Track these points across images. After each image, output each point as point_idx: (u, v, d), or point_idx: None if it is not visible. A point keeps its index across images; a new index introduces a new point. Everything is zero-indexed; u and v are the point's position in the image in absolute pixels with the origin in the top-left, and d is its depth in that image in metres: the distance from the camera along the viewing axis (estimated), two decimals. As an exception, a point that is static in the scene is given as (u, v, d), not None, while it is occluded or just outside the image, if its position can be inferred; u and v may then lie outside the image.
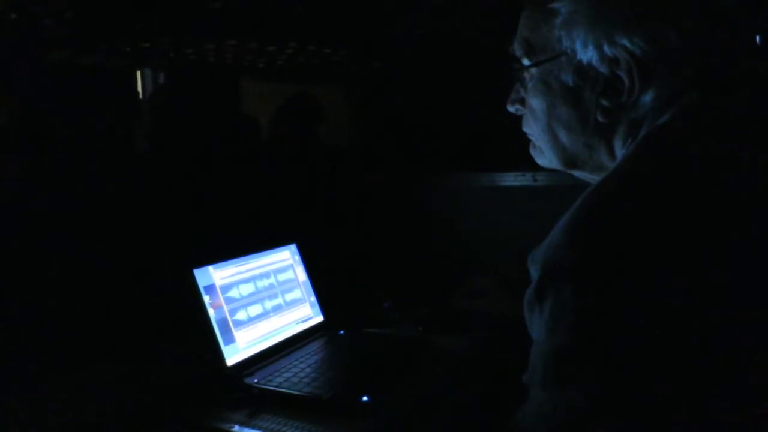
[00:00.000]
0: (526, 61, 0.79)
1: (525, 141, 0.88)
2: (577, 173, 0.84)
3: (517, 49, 0.80)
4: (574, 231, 0.63)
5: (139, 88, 1.62)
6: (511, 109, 0.86)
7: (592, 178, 0.81)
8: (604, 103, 0.73)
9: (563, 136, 0.78)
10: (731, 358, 0.56)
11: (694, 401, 0.56)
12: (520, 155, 0.93)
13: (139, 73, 1.62)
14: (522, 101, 0.83)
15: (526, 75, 0.80)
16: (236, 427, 1.07)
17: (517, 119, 0.86)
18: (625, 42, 0.69)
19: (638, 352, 0.57)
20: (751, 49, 0.76)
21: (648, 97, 0.70)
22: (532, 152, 0.86)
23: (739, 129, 0.67)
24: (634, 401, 0.57)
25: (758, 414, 0.56)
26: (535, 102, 0.79)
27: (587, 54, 0.72)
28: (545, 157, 0.84)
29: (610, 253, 0.59)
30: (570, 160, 0.80)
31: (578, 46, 0.72)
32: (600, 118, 0.74)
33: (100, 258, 1.28)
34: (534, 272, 0.64)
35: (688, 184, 0.61)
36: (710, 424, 0.56)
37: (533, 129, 0.82)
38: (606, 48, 0.70)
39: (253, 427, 1.07)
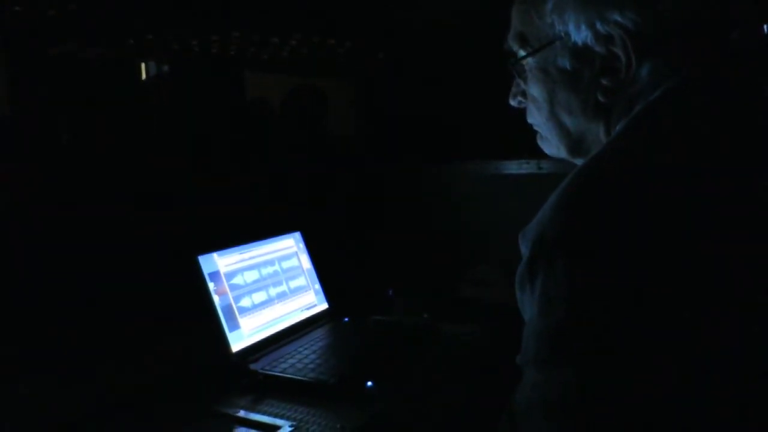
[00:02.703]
0: (521, 53, 0.79)
1: (530, 130, 0.88)
2: (581, 161, 0.84)
3: (513, 44, 0.81)
4: (564, 207, 0.62)
5: (143, 79, 1.62)
6: (513, 102, 0.86)
7: None
8: (604, 82, 0.73)
9: (567, 121, 0.78)
10: (724, 332, 0.56)
11: (688, 377, 0.56)
12: (524, 143, 0.93)
13: (143, 65, 1.62)
14: (523, 93, 0.83)
15: (525, 66, 0.80)
16: (242, 412, 1.08)
17: (522, 110, 0.86)
18: (617, 17, 0.69)
19: (630, 328, 0.57)
20: (744, 22, 0.76)
21: (645, 71, 0.70)
22: (539, 142, 0.87)
23: (729, 104, 0.67)
24: (626, 377, 0.57)
25: (753, 389, 0.56)
26: (536, 91, 0.80)
27: (581, 35, 0.72)
28: (552, 145, 0.84)
29: (601, 228, 0.59)
30: (576, 146, 0.80)
31: (571, 28, 0.72)
32: (601, 98, 0.74)
33: (105, 245, 1.28)
34: (525, 250, 0.64)
35: (677, 158, 0.62)
36: (704, 399, 0.56)
37: (537, 119, 0.83)
38: (599, 26, 0.70)
39: (259, 412, 1.08)
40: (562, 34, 0.73)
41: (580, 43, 0.72)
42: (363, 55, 2.03)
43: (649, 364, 0.56)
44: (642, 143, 0.66)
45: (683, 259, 0.57)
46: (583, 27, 0.71)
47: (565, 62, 0.74)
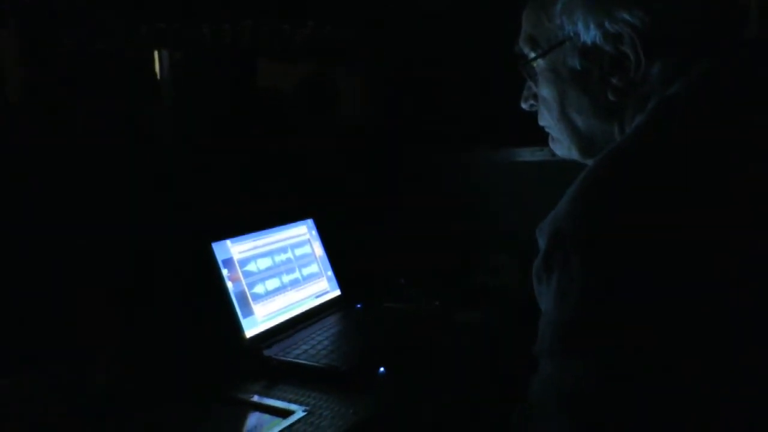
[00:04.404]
0: (531, 54, 0.79)
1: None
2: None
3: (523, 47, 0.81)
4: (580, 202, 0.63)
5: (157, 70, 1.63)
6: (524, 106, 0.86)
7: None
8: (614, 81, 0.72)
9: (578, 121, 0.78)
10: (739, 330, 0.56)
11: (701, 372, 0.56)
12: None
13: (156, 55, 1.63)
14: (534, 96, 0.84)
15: (535, 68, 0.80)
16: (256, 397, 1.10)
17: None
18: (625, 16, 0.69)
19: (645, 322, 0.57)
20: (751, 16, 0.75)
21: (655, 69, 0.70)
22: (551, 145, 0.87)
23: (747, 97, 0.66)
24: (639, 371, 0.57)
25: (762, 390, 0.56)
26: (546, 92, 0.80)
27: (590, 34, 0.72)
28: (563, 147, 0.84)
29: (617, 222, 0.59)
30: (587, 146, 0.80)
31: (580, 28, 0.72)
32: (611, 97, 0.73)
33: (120, 233, 1.29)
34: (542, 243, 0.64)
35: (696, 153, 0.61)
36: (716, 395, 0.56)
37: (548, 120, 0.83)
38: (607, 25, 0.70)
39: (272, 397, 1.09)
40: (572, 34, 0.73)
41: (589, 42, 0.72)
42: (373, 43, 2.03)
43: (663, 359, 0.56)
44: (658, 138, 0.65)
45: (702, 254, 0.56)
46: (592, 26, 0.71)
47: (575, 62, 0.74)
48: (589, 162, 0.82)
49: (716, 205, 0.58)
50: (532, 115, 0.89)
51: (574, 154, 0.83)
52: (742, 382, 0.56)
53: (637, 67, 0.70)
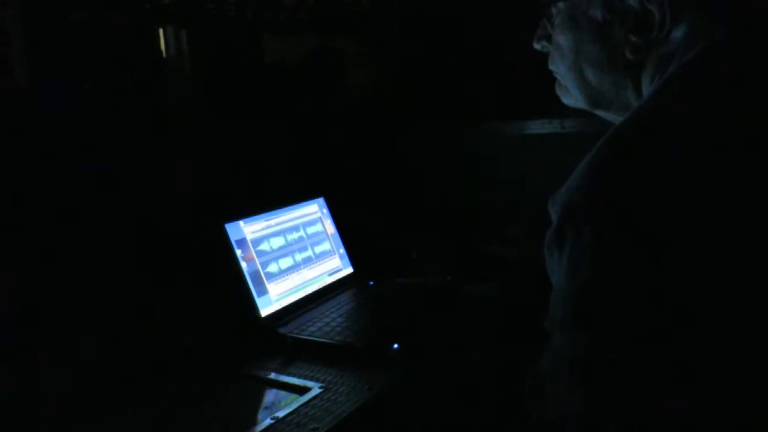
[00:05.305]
0: None
1: (551, 88, 0.86)
2: (602, 113, 0.82)
3: None
4: (593, 173, 0.62)
5: (162, 47, 1.62)
6: (537, 46, 0.84)
7: (617, 118, 0.79)
8: (634, 39, 0.70)
9: (590, 74, 0.76)
10: (749, 298, 0.55)
11: (711, 344, 0.56)
12: (547, 103, 0.92)
13: (161, 31, 1.62)
14: (548, 38, 0.81)
15: (554, 10, 0.78)
16: (273, 374, 1.12)
17: (544, 61, 0.84)
18: None
19: (656, 294, 0.57)
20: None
21: (679, 32, 0.68)
22: (558, 91, 0.85)
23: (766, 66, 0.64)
24: (651, 342, 0.57)
25: None
26: (562, 38, 0.77)
27: None
28: (571, 95, 0.82)
29: (629, 194, 0.58)
30: (596, 99, 0.79)
31: None
32: (629, 55, 0.72)
33: (130, 214, 1.31)
34: (554, 215, 0.64)
35: (711, 124, 0.59)
36: (726, 359, 0.56)
37: (559, 67, 0.81)
38: None
39: (289, 374, 1.11)
40: None
41: None
42: (379, 15, 2.00)
43: (674, 332, 0.56)
44: (675, 108, 0.63)
45: (712, 229, 0.56)
46: None
47: (597, 12, 0.72)
48: (599, 112, 0.81)
49: (733, 180, 0.57)
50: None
51: (580, 104, 0.82)
52: (753, 347, 0.56)
53: (661, 27, 0.68)
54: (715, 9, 0.67)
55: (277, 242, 1.41)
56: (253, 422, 0.97)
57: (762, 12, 0.68)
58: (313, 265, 1.47)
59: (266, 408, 1.03)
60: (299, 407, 0.99)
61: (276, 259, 1.38)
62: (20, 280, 1.14)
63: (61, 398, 1.03)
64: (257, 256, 1.33)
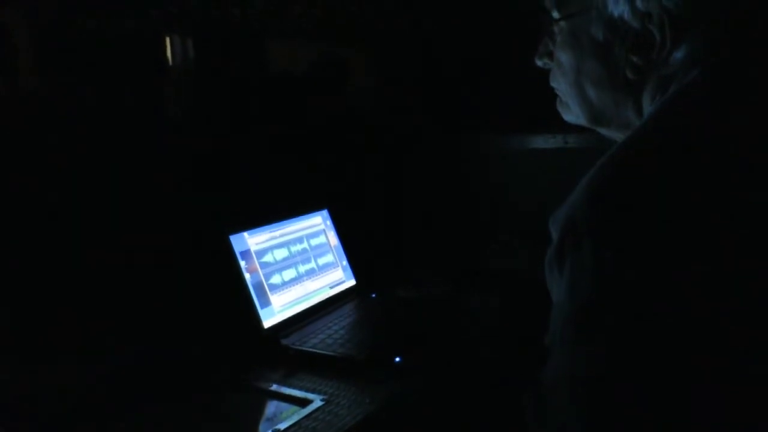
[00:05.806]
0: (555, 14, 0.78)
1: (554, 103, 0.87)
2: (603, 131, 0.83)
3: (548, 1, 0.79)
4: (594, 190, 0.62)
5: (169, 55, 1.63)
6: (538, 63, 0.85)
7: (618, 136, 0.80)
8: (634, 59, 0.71)
9: (591, 92, 0.77)
10: (752, 311, 0.56)
11: (713, 358, 0.56)
12: (550, 117, 0.93)
13: (168, 40, 1.63)
14: (550, 55, 0.82)
15: (555, 28, 0.79)
16: (274, 386, 1.12)
17: (545, 77, 0.85)
18: None
19: (656, 310, 0.57)
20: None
21: (680, 54, 0.68)
22: (559, 108, 0.85)
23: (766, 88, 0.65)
24: (651, 359, 0.57)
25: None
26: (564, 56, 0.78)
27: (618, 8, 0.70)
28: (572, 112, 0.83)
29: (629, 211, 0.58)
30: (597, 117, 0.80)
31: None
32: (629, 75, 0.72)
33: (134, 225, 1.32)
34: (555, 232, 0.64)
35: (712, 144, 0.60)
36: (729, 377, 0.56)
37: (561, 84, 0.82)
38: (638, 2, 0.68)
39: (290, 386, 1.11)
40: (600, 3, 0.72)
41: (616, 15, 0.71)
42: (384, 23, 2.02)
43: (675, 348, 0.57)
44: (676, 127, 0.64)
45: (713, 246, 0.56)
46: (622, 0, 0.70)
47: (598, 32, 0.73)
48: (601, 130, 0.82)
49: (735, 202, 0.57)
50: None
51: (581, 121, 0.82)
52: (756, 364, 0.56)
53: (662, 48, 0.69)
54: (715, 31, 0.67)
55: (281, 254, 1.41)
56: (255, 434, 0.97)
57: (762, 35, 0.69)
58: (316, 277, 1.48)
59: (267, 420, 1.03)
60: (300, 420, 0.99)
61: (279, 270, 1.38)
62: (21, 288, 1.15)
63: (60, 410, 1.03)
64: (261, 268, 1.33)
